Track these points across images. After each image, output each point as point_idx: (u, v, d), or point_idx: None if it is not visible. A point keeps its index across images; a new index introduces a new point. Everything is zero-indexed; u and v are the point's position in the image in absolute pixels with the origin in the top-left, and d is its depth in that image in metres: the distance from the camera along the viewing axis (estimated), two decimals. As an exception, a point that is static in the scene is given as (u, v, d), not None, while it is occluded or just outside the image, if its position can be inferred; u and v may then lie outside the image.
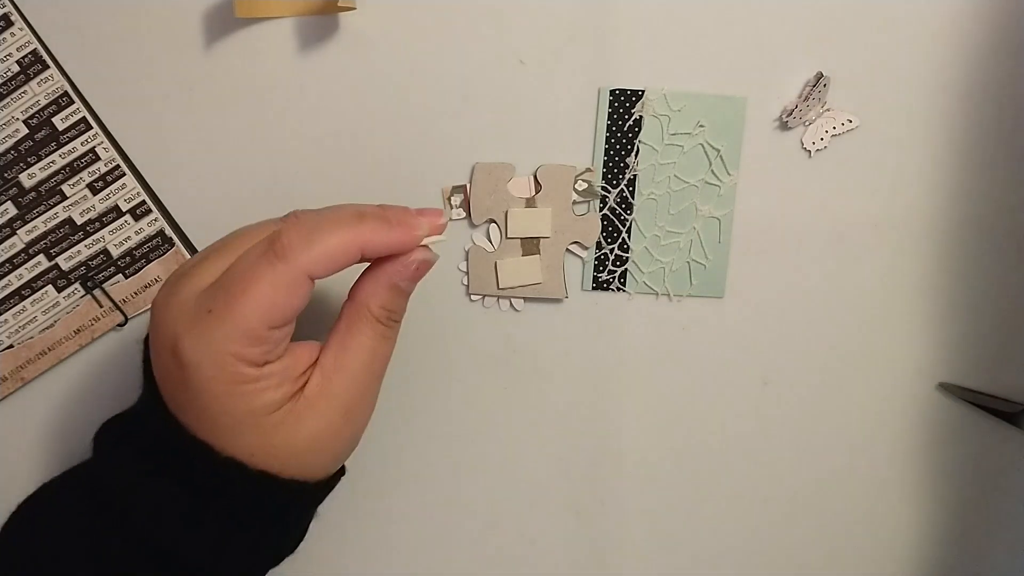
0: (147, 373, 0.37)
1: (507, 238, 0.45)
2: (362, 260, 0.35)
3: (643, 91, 0.44)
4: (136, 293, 0.46)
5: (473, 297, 0.46)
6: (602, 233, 0.45)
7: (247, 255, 0.33)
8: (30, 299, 0.45)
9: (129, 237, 0.45)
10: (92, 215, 0.45)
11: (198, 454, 0.34)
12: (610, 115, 0.44)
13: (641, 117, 0.44)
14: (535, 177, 0.45)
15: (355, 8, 0.43)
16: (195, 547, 0.35)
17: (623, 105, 0.44)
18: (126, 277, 0.45)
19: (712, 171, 0.45)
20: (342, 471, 0.40)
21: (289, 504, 0.37)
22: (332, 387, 0.35)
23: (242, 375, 0.33)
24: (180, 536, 0.35)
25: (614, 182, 0.45)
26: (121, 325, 0.46)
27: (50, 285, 0.45)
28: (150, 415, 0.36)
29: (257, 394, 0.33)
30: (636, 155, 0.45)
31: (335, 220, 0.34)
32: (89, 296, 0.45)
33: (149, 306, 0.46)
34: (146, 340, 0.37)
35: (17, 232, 0.45)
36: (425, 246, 0.36)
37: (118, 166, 0.45)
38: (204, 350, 0.32)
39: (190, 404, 0.34)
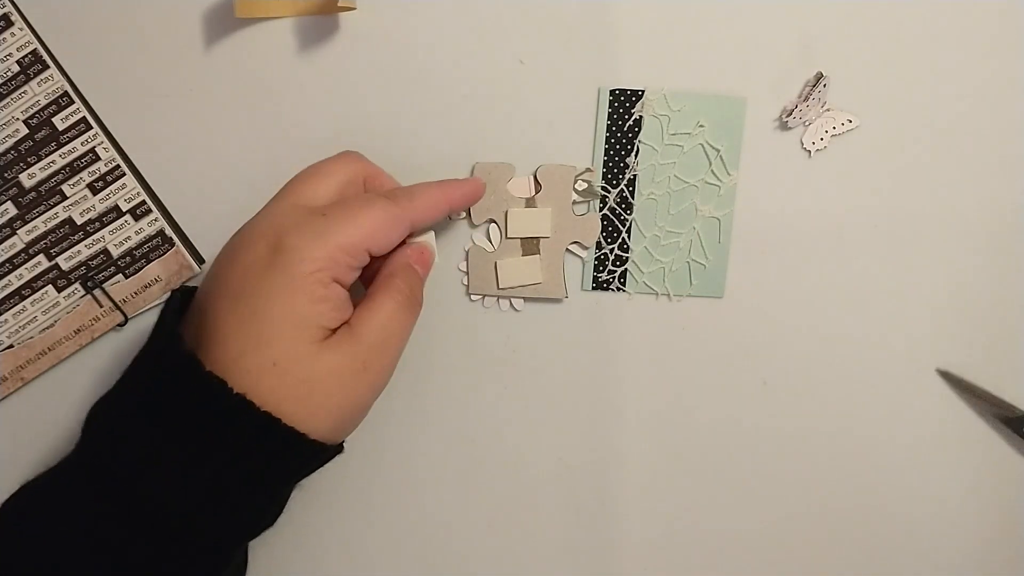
0: (168, 309, 0.38)
1: (507, 238, 0.45)
2: (447, 214, 0.42)
3: (643, 91, 0.44)
4: (136, 293, 0.46)
5: (473, 297, 0.46)
6: (602, 233, 0.45)
7: (363, 195, 0.40)
8: (30, 299, 0.45)
9: (129, 237, 0.45)
10: (92, 215, 0.45)
11: (209, 389, 0.35)
12: (610, 115, 0.44)
13: (641, 117, 0.44)
14: (535, 177, 0.45)
15: (355, 8, 0.43)
16: (176, 495, 0.35)
17: (623, 105, 0.44)
18: (126, 277, 0.45)
19: (712, 171, 0.45)
20: (338, 449, 0.39)
21: (283, 456, 0.37)
22: (355, 334, 0.37)
23: (321, 281, 0.36)
24: (167, 486, 0.35)
25: (614, 182, 0.45)
26: (121, 325, 0.46)
27: (50, 285, 0.45)
28: (162, 354, 0.37)
29: (320, 307, 0.36)
30: (636, 155, 0.45)
31: (427, 185, 0.41)
32: (89, 296, 0.45)
33: (149, 306, 0.46)
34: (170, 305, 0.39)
35: (17, 232, 0.45)
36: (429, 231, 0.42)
37: (118, 166, 0.45)
38: (308, 240, 0.36)
39: (248, 297, 0.36)
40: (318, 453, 0.37)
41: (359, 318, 0.38)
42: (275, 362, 0.35)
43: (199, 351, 0.36)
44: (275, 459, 0.36)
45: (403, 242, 0.40)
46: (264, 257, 0.36)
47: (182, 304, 0.39)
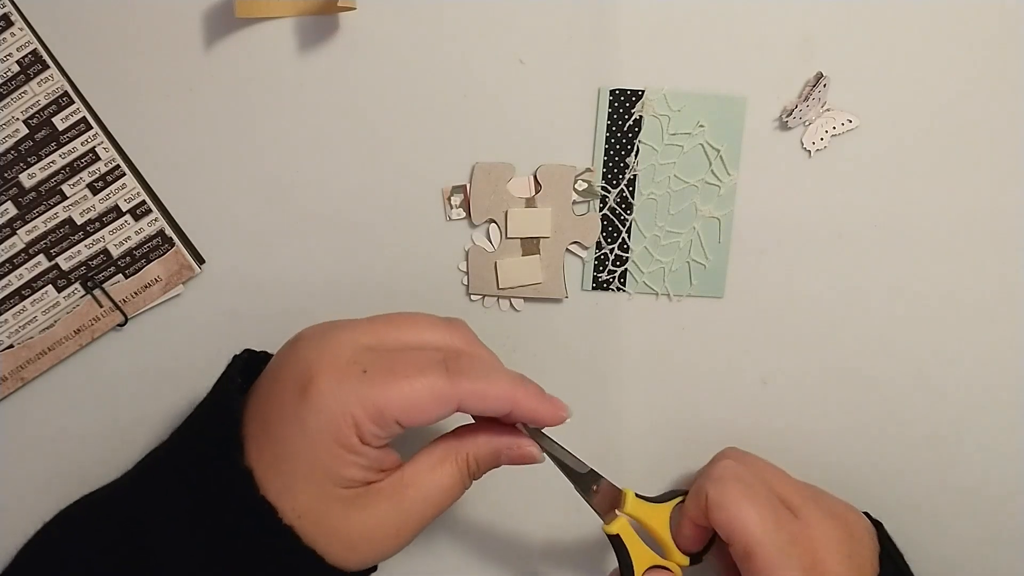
0: (226, 394, 0.37)
1: (507, 238, 0.45)
2: (506, 418, 0.36)
3: (643, 91, 0.44)
4: (136, 293, 0.46)
5: (473, 297, 0.46)
6: (602, 233, 0.45)
7: (423, 354, 0.35)
8: (30, 299, 0.45)
9: (129, 237, 0.45)
10: (92, 215, 0.45)
11: (258, 511, 0.34)
12: (610, 115, 0.44)
13: (641, 117, 0.44)
14: (535, 177, 0.45)
15: (355, 8, 0.43)
16: None
17: (623, 105, 0.44)
18: (126, 277, 0.45)
19: (712, 171, 0.45)
20: (373, 569, 0.38)
21: None
22: (402, 495, 0.35)
23: (348, 440, 0.34)
24: None
25: (614, 182, 0.45)
26: (121, 325, 0.46)
27: (50, 285, 0.45)
28: (219, 456, 0.36)
29: (345, 464, 0.34)
30: (636, 155, 0.45)
31: (504, 373, 0.36)
32: (89, 296, 0.45)
33: (149, 306, 0.46)
34: (226, 379, 0.37)
35: (17, 232, 0.45)
36: (537, 444, 0.38)
37: (118, 166, 0.45)
38: (336, 397, 0.33)
39: (278, 438, 0.34)
40: None
41: (413, 478, 0.36)
42: (300, 515, 0.34)
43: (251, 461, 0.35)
44: None
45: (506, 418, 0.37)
46: (293, 396, 0.34)
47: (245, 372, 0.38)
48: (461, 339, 0.37)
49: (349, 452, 0.34)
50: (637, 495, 0.40)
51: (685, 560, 0.41)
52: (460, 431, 0.37)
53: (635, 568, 0.39)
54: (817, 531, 0.38)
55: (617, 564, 0.40)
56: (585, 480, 0.39)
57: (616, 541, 0.39)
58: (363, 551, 0.35)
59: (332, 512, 0.35)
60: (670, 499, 0.41)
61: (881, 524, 0.43)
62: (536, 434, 0.38)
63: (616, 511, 0.40)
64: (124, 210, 0.45)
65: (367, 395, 0.33)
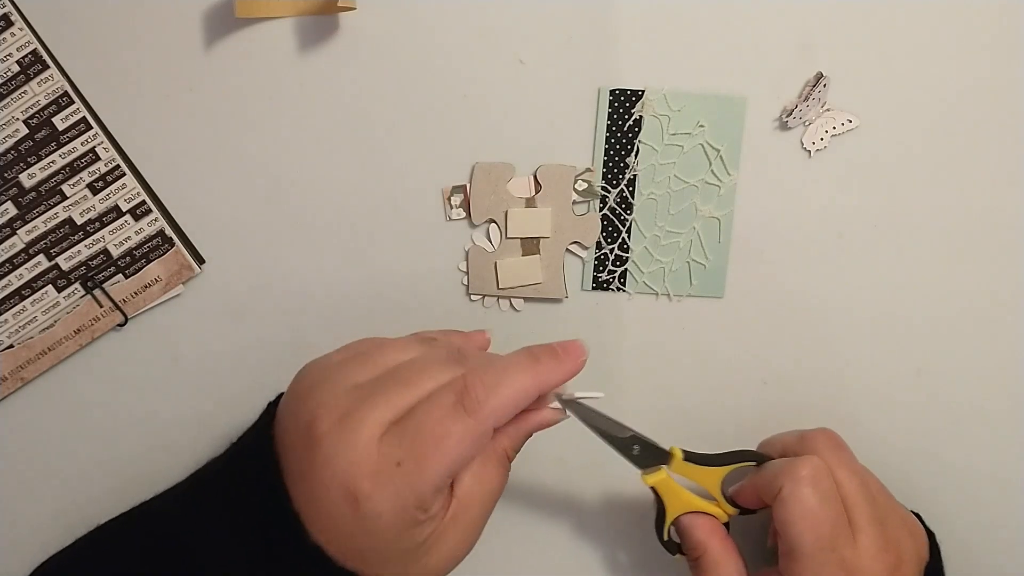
0: (264, 455, 0.36)
1: (507, 238, 0.45)
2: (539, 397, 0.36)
3: (643, 91, 0.44)
4: (136, 293, 0.46)
5: (473, 297, 0.46)
6: (602, 233, 0.45)
7: (433, 405, 0.34)
8: (30, 299, 0.45)
9: (129, 237, 0.45)
10: (92, 215, 0.45)
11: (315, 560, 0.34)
12: (610, 115, 0.44)
13: (641, 117, 0.44)
14: (535, 177, 0.45)
15: (355, 8, 0.43)
16: None
17: (623, 105, 0.44)
18: (126, 277, 0.45)
19: (712, 171, 0.45)
20: None
21: None
22: (467, 514, 0.36)
23: (416, 520, 0.34)
24: None
25: (614, 182, 0.45)
26: (121, 325, 0.46)
27: (50, 285, 0.45)
28: (275, 523, 0.35)
29: (420, 533, 0.34)
30: (636, 155, 0.45)
31: (515, 365, 0.36)
32: (89, 296, 0.45)
33: (149, 306, 0.46)
34: (260, 427, 0.37)
35: (17, 232, 0.45)
36: (558, 407, 0.38)
37: (118, 166, 0.45)
38: (390, 502, 0.33)
39: (347, 539, 0.34)
40: None
41: (469, 493, 0.36)
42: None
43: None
44: None
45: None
46: (345, 511, 0.33)
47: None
48: (453, 353, 0.37)
49: (421, 525, 0.34)
50: (687, 456, 0.41)
51: (733, 510, 0.41)
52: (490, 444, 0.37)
53: (667, 515, 0.41)
54: (866, 562, 0.38)
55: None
56: (625, 443, 0.39)
57: (653, 491, 0.41)
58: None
59: (416, 565, 0.35)
60: (727, 463, 0.41)
61: (933, 535, 0.43)
62: (571, 405, 0.38)
63: (662, 466, 0.40)
64: (124, 210, 0.45)
65: (414, 484, 0.33)
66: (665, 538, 0.42)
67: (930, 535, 0.43)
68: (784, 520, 0.38)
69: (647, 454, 0.40)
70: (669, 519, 0.41)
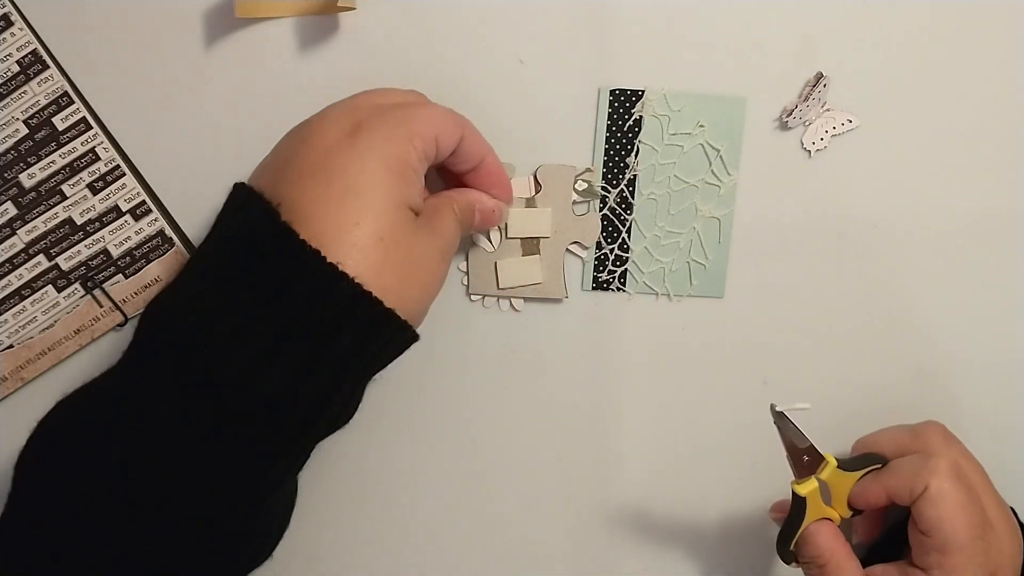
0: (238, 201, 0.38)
1: (507, 238, 0.45)
2: (462, 166, 0.41)
3: (643, 91, 0.44)
4: (136, 293, 0.46)
5: (473, 297, 0.46)
6: (602, 233, 0.45)
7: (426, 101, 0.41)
8: (30, 299, 0.45)
9: (129, 237, 0.45)
10: (92, 215, 0.45)
11: (308, 264, 0.35)
12: (610, 115, 0.44)
13: (641, 117, 0.44)
14: (535, 177, 0.45)
15: (355, 8, 0.43)
16: (267, 375, 0.34)
17: (623, 105, 0.44)
18: (126, 277, 0.45)
19: (712, 171, 0.45)
20: (415, 337, 0.39)
21: (379, 336, 0.36)
22: (434, 227, 0.39)
23: (408, 162, 0.37)
24: (257, 364, 0.34)
25: (614, 182, 0.45)
26: (121, 325, 0.46)
27: (50, 285, 0.45)
28: (254, 230, 0.36)
29: (406, 185, 0.37)
30: (636, 155, 0.45)
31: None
32: (89, 296, 0.45)
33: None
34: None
35: (17, 232, 0.45)
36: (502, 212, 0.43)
37: (118, 166, 0.45)
38: (389, 125, 0.37)
39: (334, 172, 0.36)
40: (406, 335, 0.38)
41: (436, 205, 0.39)
42: (381, 237, 0.36)
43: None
44: (371, 339, 0.36)
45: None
46: (345, 138, 0.37)
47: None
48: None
49: (412, 177, 0.37)
50: (839, 464, 0.41)
51: (848, 513, 0.42)
52: (440, 192, 0.41)
53: (805, 523, 0.41)
54: (1005, 545, 0.41)
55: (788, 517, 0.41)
56: (800, 452, 0.40)
57: (799, 501, 0.41)
58: (422, 285, 0.38)
59: (406, 234, 0.36)
60: (862, 467, 0.42)
61: None
62: (780, 417, 0.39)
63: (813, 476, 0.41)
64: (124, 210, 0.45)
65: (412, 119, 0.37)
66: (792, 547, 0.42)
67: None
68: (937, 516, 0.39)
69: (811, 463, 0.41)
70: (804, 527, 0.41)
